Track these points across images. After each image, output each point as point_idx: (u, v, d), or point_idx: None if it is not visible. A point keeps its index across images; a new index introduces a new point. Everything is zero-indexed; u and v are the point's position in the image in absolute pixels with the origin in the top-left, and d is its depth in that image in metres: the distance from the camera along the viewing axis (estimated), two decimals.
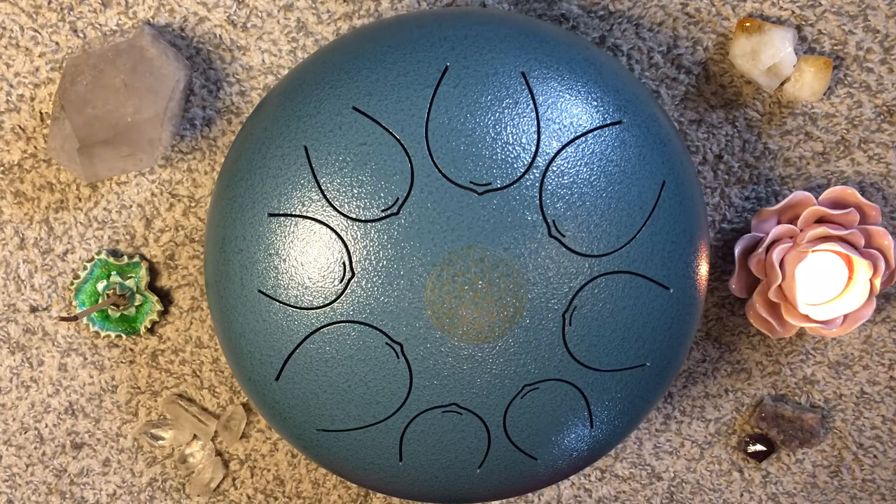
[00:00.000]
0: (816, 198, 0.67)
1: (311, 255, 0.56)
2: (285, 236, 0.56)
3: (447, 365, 0.57)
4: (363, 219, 0.55)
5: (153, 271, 0.70)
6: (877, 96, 0.67)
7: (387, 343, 0.56)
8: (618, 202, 0.56)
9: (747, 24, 0.64)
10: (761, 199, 0.69)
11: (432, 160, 0.55)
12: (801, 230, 0.66)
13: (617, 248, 0.56)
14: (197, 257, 0.69)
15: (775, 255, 0.65)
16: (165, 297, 0.70)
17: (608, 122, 0.56)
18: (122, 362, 0.71)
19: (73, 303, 0.70)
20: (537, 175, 0.55)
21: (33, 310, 0.70)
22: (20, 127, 0.68)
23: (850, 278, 0.66)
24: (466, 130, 0.55)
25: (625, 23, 0.66)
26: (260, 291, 0.57)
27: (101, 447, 0.72)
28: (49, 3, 0.66)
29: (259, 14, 0.66)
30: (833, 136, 0.68)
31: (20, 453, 0.72)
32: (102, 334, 0.70)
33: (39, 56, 0.66)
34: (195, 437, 0.72)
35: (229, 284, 0.58)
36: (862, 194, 0.68)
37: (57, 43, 0.66)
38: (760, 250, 0.66)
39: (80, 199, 0.69)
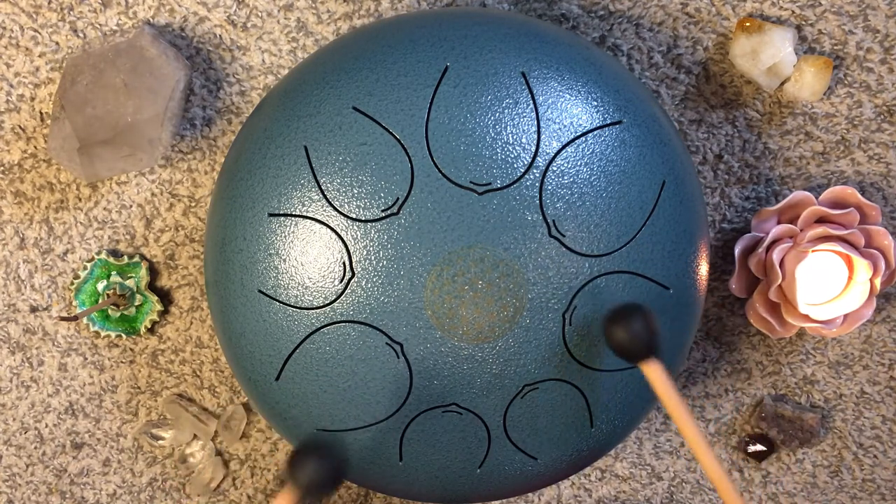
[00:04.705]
0: (816, 198, 0.67)
1: (311, 255, 0.56)
2: (285, 236, 0.56)
3: (447, 365, 0.57)
4: (363, 219, 0.55)
5: (153, 271, 0.70)
6: (877, 96, 0.67)
7: (387, 343, 0.56)
8: (618, 202, 0.56)
9: (747, 24, 0.64)
10: (761, 199, 0.69)
11: (432, 160, 0.55)
12: (801, 230, 0.66)
13: (617, 248, 0.56)
14: (197, 257, 0.69)
15: (775, 255, 0.65)
16: (165, 297, 0.70)
17: (608, 122, 0.56)
18: (122, 362, 0.71)
19: (73, 303, 0.70)
20: (537, 175, 0.55)
21: (33, 310, 0.70)
22: (20, 127, 0.68)
23: (850, 278, 0.66)
24: (466, 130, 0.55)
25: (625, 23, 0.66)
26: (260, 291, 0.57)
27: (101, 447, 0.72)
28: (49, 3, 0.66)
29: (259, 14, 0.66)
30: (833, 136, 0.68)
31: (20, 453, 0.72)
32: (102, 334, 0.70)
33: (39, 56, 0.66)
34: (195, 437, 0.72)
35: (229, 284, 0.58)
36: (862, 194, 0.68)
37: (57, 43, 0.66)
38: (760, 250, 0.66)
39: (80, 199, 0.69)
